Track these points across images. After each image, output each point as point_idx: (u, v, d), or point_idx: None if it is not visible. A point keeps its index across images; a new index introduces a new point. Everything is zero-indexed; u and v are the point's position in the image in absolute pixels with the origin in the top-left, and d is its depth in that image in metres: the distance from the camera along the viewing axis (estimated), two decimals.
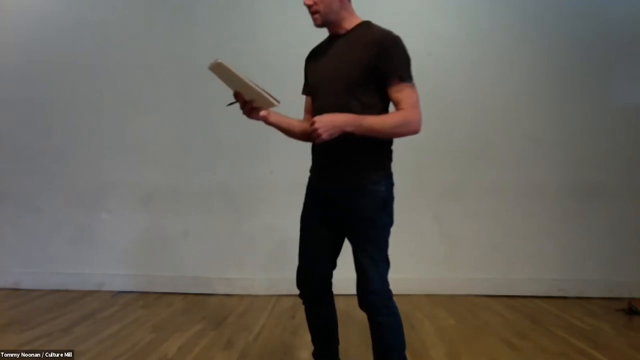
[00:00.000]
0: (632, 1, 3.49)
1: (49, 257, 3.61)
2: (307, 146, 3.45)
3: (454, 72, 3.49)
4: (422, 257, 3.53)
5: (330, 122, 1.52)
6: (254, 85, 1.58)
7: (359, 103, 1.59)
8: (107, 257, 3.60)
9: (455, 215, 3.51)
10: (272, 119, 1.77)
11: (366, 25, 1.68)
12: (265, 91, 1.61)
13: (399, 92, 1.57)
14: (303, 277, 1.83)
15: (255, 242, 3.56)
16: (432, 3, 3.52)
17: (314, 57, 1.84)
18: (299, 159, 3.53)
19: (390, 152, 1.72)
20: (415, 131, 1.58)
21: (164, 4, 3.59)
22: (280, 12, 3.51)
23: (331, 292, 1.87)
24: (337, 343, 1.91)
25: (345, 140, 1.58)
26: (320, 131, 1.51)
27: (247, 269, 3.56)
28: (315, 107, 1.74)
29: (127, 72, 3.58)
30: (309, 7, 1.69)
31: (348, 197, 1.65)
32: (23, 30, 3.63)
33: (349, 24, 1.69)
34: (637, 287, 3.42)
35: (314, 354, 1.89)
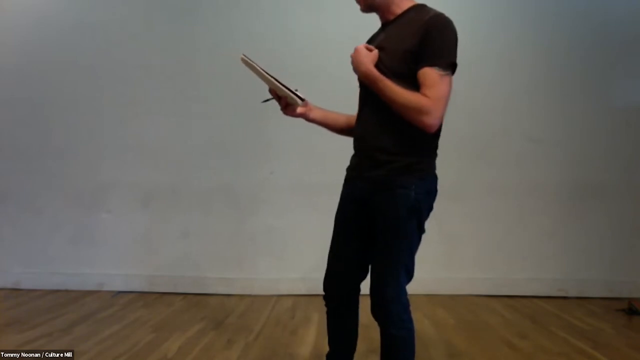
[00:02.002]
0: (632, 1, 3.49)
1: (49, 257, 3.61)
2: (307, 146, 3.48)
3: None
4: (422, 257, 3.49)
5: (358, 63, 1.47)
6: (275, 81, 1.51)
7: None
8: (107, 257, 3.60)
9: (455, 215, 3.50)
10: (313, 115, 1.67)
11: (419, 8, 1.53)
12: (288, 88, 1.53)
13: (425, 76, 1.40)
14: (331, 280, 1.71)
15: (255, 242, 3.56)
16: (431, 3, 3.52)
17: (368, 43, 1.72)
18: (299, 160, 3.57)
19: (431, 153, 1.57)
20: (426, 125, 1.40)
21: (164, 4, 3.59)
22: (280, 12, 3.51)
23: (357, 298, 1.75)
24: (353, 351, 1.80)
25: (380, 136, 1.52)
26: (352, 61, 1.50)
27: (247, 269, 3.56)
28: (359, 99, 1.65)
29: (127, 72, 3.58)
30: None
31: (376, 198, 1.53)
32: (23, 30, 3.62)
33: (399, 8, 1.55)
34: (637, 287, 3.43)
35: (328, 356, 1.81)
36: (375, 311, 1.56)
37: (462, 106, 3.51)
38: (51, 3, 3.63)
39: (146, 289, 3.55)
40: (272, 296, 3.46)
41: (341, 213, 1.70)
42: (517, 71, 3.52)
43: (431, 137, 1.54)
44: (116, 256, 3.60)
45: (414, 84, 1.44)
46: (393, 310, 1.53)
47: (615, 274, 3.48)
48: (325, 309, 1.78)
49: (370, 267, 1.64)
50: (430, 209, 1.60)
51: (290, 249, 3.53)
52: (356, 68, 1.50)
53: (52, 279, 3.58)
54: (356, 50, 1.49)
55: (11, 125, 3.64)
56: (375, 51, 1.49)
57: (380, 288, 1.54)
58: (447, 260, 3.53)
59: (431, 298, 3.40)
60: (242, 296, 3.47)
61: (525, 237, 3.52)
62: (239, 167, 3.56)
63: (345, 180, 1.71)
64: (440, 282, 3.52)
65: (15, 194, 3.63)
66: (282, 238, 3.53)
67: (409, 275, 1.57)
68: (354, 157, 1.68)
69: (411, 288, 3.06)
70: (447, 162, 3.47)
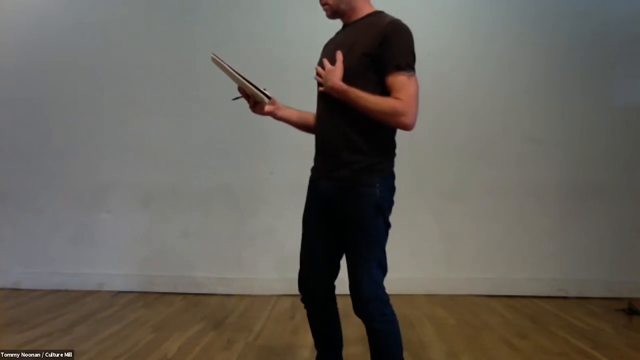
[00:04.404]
0: (632, 1, 3.49)
1: (49, 257, 3.61)
2: (307, 146, 3.46)
3: (454, 72, 3.49)
4: (422, 257, 3.53)
5: (327, 80, 1.53)
6: (244, 80, 1.57)
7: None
8: (107, 257, 3.60)
9: (455, 215, 3.50)
10: (281, 113, 1.74)
11: (376, 14, 1.62)
12: (256, 86, 1.59)
13: (394, 80, 1.48)
14: (304, 280, 1.75)
15: (255, 243, 3.56)
16: (431, 3, 3.52)
17: (325, 48, 1.78)
18: (299, 160, 3.54)
19: (391, 154, 1.65)
20: (405, 125, 1.48)
21: (164, 4, 3.59)
22: (280, 12, 3.52)
23: (334, 296, 1.79)
24: (341, 347, 1.85)
25: (343, 137, 1.56)
26: (321, 80, 1.56)
27: (247, 269, 3.56)
28: (317, 97, 1.70)
29: (127, 72, 3.58)
30: None
31: (341, 198, 1.58)
32: (23, 30, 3.63)
33: (361, 12, 1.63)
34: (637, 287, 3.43)
35: (318, 359, 1.85)
36: (357, 310, 1.61)
37: (462, 106, 3.52)
38: (51, 3, 3.63)
39: (146, 289, 3.55)
40: (272, 296, 3.46)
41: (308, 214, 1.75)
42: (517, 71, 3.52)
43: (390, 139, 1.64)
44: (116, 256, 3.60)
45: (367, 84, 1.51)
46: (374, 307, 1.59)
47: (615, 274, 3.48)
48: (305, 311, 1.82)
49: (341, 263, 1.68)
50: (392, 204, 1.65)
51: (290, 249, 3.51)
52: (326, 84, 1.55)
53: (52, 279, 3.58)
54: (327, 70, 1.54)
55: (11, 125, 3.64)
56: (340, 66, 1.53)
57: (358, 287, 1.59)
58: (447, 260, 3.53)
59: (431, 298, 3.41)
60: (242, 296, 3.47)
61: (525, 237, 3.51)
62: (239, 167, 3.56)
63: (310, 180, 1.77)
64: (440, 282, 3.52)
65: (15, 194, 3.63)
66: (282, 238, 3.53)
67: (384, 270, 1.62)
68: (317, 158, 1.73)
69: (411, 288, 3.08)
70: (447, 162, 3.52)
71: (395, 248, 3.48)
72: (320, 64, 1.67)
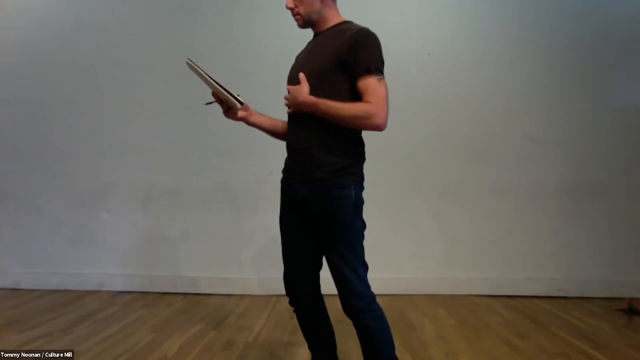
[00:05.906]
0: (632, 1, 3.49)
1: (49, 257, 3.61)
2: None
3: (454, 72, 3.49)
4: (422, 257, 3.53)
5: (294, 98, 1.57)
6: (217, 85, 1.60)
7: (327, 98, 1.55)
8: (107, 257, 3.60)
9: (455, 215, 3.51)
10: (253, 119, 1.79)
11: (346, 23, 1.68)
12: (229, 92, 1.63)
13: (364, 84, 1.53)
14: (289, 282, 1.79)
15: (255, 242, 3.56)
16: (431, 3, 3.52)
17: (297, 58, 1.84)
18: None
19: (362, 158, 1.69)
20: (377, 126, 1.52)
21: (164, 4, 3.59)
22: (280, 12, 3.50)
23: (320, 295, 1.81)
24: (335, 346, 1.86)
25: (319, 140, 1.60)
26: (287, 103, 1.61)
27: (247, 269, 3.56)
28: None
29: (127, 72, 3.58)
30: (291, 9, 1.69)
31: (317, 202, 1.62)
32: (23, 30, 3.63)
33: (331, 21, 1.69)
34: (637, 287, 3.43)
35: None
36: (348, 309, 1.64)
37: (462, 106, 3.52)
38: (51, 3, 3.63)
39: (146, 289, 3.55)
40: (272, 296, 3.47)
41: (284, 216, 1.78)
42: (517, 71, 3.52)
43: (361, 142, 1.70)
44: (116, 256, 3.60)
45: (337, 89, 1.56)
46: (364, 305, 1.64)
47: (615, 274, 3.48)
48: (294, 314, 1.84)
49: (325, 262, 1.71)
50: (363, 202, 1.69)
51: None
52: (294, 102, 1.59)
53: (52, 279, 3.58)
54: (291, 90, 1.60)
55: (11, 125, 3.64)
56: (305, 84, 1.57)
57: (348, 287, 1.63)
58: (447, 260, 3.53)
59: (431, 298, 3.40)
60: (242, 296, 3.48)
61: (525, 237, 3.52)
62: (239, 167, 3.56)
63: (282, 183, 1.79)
64: (440, 282, 3.52)
65: (15, 194, 3.63)
66: None
67: (366, 267, 1.68)
68: (290, 161, 1.74)
69: (411, 288, 3.05)
70: (447, 162, 3.52)
71: (396, 248, 3.50)
72: (291, 68, 1.74)
